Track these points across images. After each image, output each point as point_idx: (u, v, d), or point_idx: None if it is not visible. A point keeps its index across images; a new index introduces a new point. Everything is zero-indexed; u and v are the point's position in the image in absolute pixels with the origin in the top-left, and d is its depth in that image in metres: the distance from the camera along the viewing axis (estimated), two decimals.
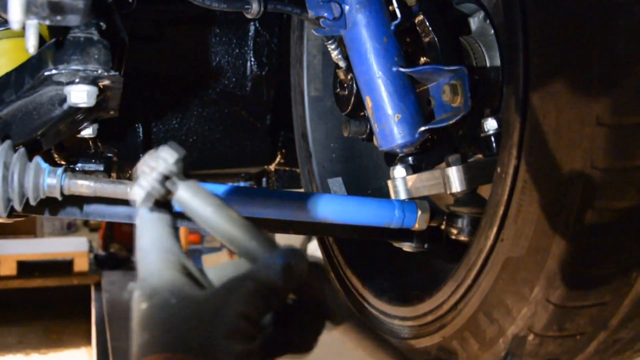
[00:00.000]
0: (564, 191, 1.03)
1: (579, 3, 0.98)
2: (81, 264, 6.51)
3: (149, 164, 0.78)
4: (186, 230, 6.27)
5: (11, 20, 0.92)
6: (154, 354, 0.72)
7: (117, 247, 7.73)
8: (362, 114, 1.68)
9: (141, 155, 2.28)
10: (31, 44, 1.02)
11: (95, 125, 1.59)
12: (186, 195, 0.79)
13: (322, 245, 1.99)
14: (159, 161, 0.78)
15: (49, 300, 6.56)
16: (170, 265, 0.79)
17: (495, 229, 1.19)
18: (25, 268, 6.38)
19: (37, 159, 1.20)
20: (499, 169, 1.17)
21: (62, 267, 6.51)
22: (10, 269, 6.31)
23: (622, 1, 0.95)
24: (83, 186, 1.20)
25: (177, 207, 0.83)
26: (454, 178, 1.39)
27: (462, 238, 1.42)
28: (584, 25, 0.97)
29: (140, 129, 2.30)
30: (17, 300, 6.75)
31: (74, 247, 6.81)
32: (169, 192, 0.79)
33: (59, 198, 1.21)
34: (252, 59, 2.40)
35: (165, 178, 0.78)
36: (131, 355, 0.75)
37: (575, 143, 1.00)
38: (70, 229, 10.92)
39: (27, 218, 1.60)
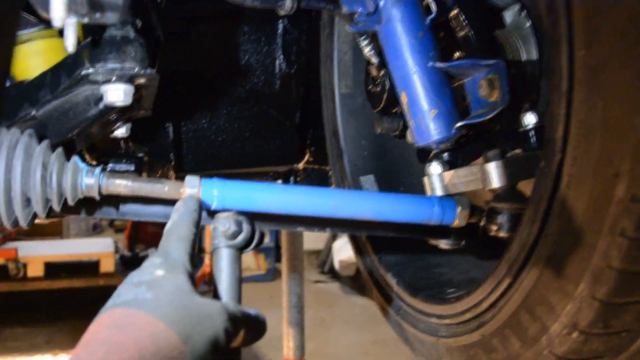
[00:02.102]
0: (612, 185, 1.01)
1: None
2: (107, 265, 6.55)
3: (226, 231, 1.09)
4: None
5: (53, 18, 0.92)
6: (148, 313, 0.82)
7: (142, 248, 7.78)
8: (394, 110, 1.67)
9: (171, 155, 2.27)
10: (70, 43, 1.02)
11: (129, 125, 1.59)
12: (224, 258, 1.07)
13: (354, 244, 1.98)
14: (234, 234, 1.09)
15: (76, 301, 6.61)
16: (189, 261, 0.96)
17: (538, 225, 1.17)
18: (53, 269, 6.45)
19: (75, 158, 1.19)
20: (542, 164, 1.15)
21: (89, 268, 6.57)
22: (38, 270, 6.37)
23: None
24: (121, 186, 1.20)
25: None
26: (494, 173, 1.38)
27: (502, 234, 1.40)
28: (633, 15, 0.95)
29: (171, 129, 2.31)
30: (45, 301, 6.81)
31: (100, 248, 6.87)
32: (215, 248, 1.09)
33: (97, 198, 1.20)
34: (281, 57, 2.40)
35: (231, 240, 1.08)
36: (119, 294, 0.87)
37: (623, 136, 0.98)
38: (95, 230, 11.00)
39: (53, 220, 1.61)
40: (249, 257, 8.27)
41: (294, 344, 3.62)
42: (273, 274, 8.28)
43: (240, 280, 1.06)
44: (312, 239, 8.32)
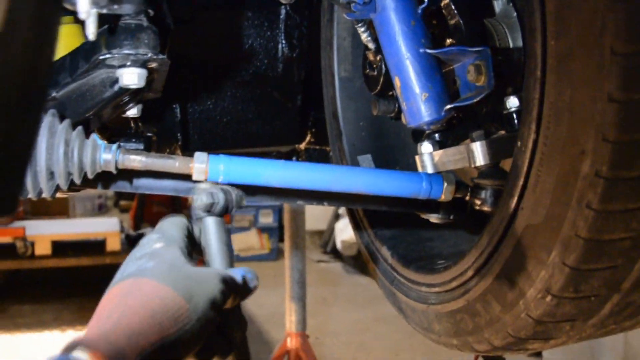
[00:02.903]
0: (578, 163, 1.11)
1: None
2: (113, 244, 6.60)
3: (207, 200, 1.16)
4: None
5: (80, 11, 1.03)
6: (153, 279, 0.93)
7: (147, 227, 7.88)
8: (391, 93, 1.75)
9: (179, 135, 2.35)
10: (91, 31, 1.13)
11: (140, 106, 1.69)
12: (211, 225, 1.15)
13: (353, 219, 2.07)
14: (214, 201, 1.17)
15: (83, 279, 6.69)
16: (183, 240, 1.08)
17: (515, 199, 1.27)
18: (60, 248, 6.47)
19: (94, 136, 1.30)
20: (519, 143, 1.25)
21: (95, 246, 6.61)
22: (45, 249, 6.40)
23: None
24: (135, 161, 1.30)
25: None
26: (478, 152, 1.47)
27: (486, 208, 1.49)
28: (596, 10, 1.05)
29: (178, 110, 2.39)
30: (53, 279, 6.89)
31: (106, 227, 6.89)
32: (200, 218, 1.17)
33: (114, 172, 1.31)
34: (283, 42, 2.46)
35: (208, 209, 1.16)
36: (124, 270, 0.99)
37: (588, 118, 1.08)
38: (101, 210, 11.08)
39: (59, 199, 1.70)
40: (252, 237, 8.36)
41: (296, 318, 3.71)
42: (276, 254, 8.36)
43: (228, 245, 1.15)
44: (315, 220, 8.38)
